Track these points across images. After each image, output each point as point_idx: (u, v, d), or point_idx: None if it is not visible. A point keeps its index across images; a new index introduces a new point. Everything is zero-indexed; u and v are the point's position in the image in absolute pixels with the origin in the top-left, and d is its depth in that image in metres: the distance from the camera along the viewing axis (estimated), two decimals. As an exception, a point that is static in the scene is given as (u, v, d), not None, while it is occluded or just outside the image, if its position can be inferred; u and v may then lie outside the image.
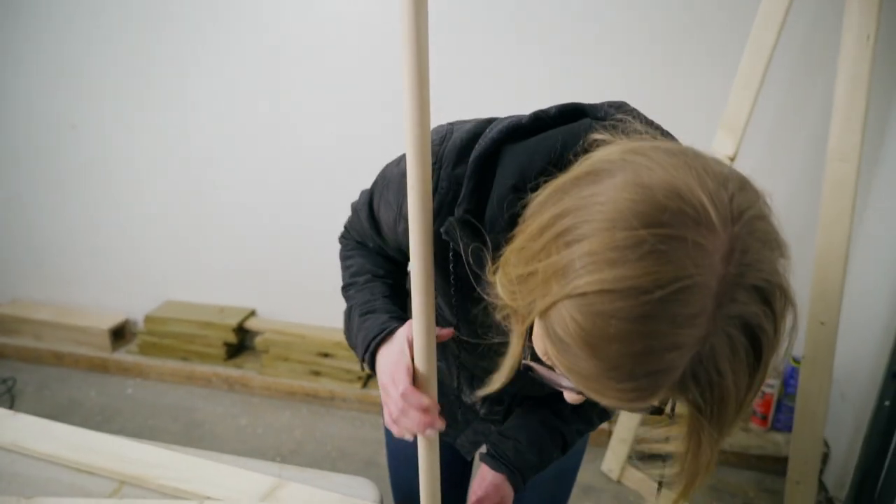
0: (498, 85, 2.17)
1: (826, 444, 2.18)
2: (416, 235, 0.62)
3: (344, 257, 0.93)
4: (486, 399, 0.96)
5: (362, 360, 0.80)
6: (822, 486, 2.16)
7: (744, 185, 0.48)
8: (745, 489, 2.19)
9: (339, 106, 2.36)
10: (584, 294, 0.44)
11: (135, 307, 2.85)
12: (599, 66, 2.09)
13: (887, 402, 1.61)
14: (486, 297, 0.55)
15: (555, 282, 0.46)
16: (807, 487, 1.65)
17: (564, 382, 0.54)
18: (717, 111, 1.72)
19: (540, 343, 0.50)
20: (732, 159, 1.65)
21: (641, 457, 2.30)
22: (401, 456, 0.85)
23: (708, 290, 0.43)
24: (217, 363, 2.71)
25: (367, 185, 0.86)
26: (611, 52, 2.07)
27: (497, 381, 0.58)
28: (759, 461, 2.27)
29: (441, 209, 0.66)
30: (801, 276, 1.91)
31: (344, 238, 0.95)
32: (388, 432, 1.07)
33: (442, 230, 0.65)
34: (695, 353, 0.44)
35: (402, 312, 0.82)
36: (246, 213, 2.61)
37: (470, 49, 2.16)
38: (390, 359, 0.73)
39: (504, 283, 0.52)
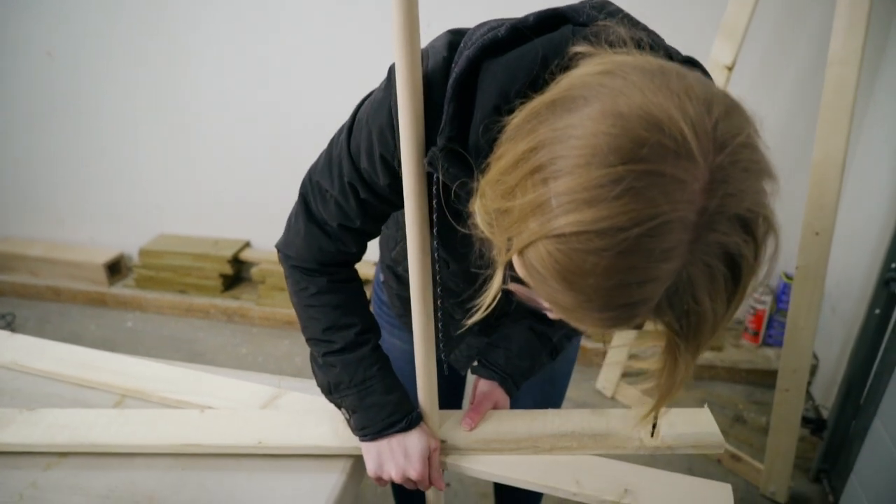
0: None
1: (815, 357, 2.24)
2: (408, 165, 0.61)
3: (304, 304, 0.82)
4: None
5: (364, 436, 0.81)
6: (809, 397, 2.22)
7: (730, 109, 0.45)
8: (735, 402, 2.25)
9: (329, 39, 2.27)
10: (561, 234, 0.43)
11: (128, 241, 2.84)
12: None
13: (877, 311, 1.64)
14: (468, 230, 0.55)
15: (532, 220, 0.45)
16: (795, 395, 1.69)
17: (545, 304, 0.54)
18: (716, 17, 1.66)
19: (520, 271, 0.50)
20: (731, 68, 1.61)
21: (634, 374, 2.36)
22: (400, 373, 0.86)
23: (686, 224, 0.42)
24: (214, 295, 2.72)
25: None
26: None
27: (481, 308, 0.58)
28: (749, 375, 2.33)
29: (430, 138, 0.63)
30: (797, 185, 1.90)
31: (294, 268, 0.82)
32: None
33: (425, 161, 0.63)
34: (671, 283, 0.44)
35: (399, 382, 0.83)
36: (237, 144, 2.56)
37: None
38: (403, 455, 0.80)
39: (482, 213, 0.51)
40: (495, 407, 0.93)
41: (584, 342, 2.35)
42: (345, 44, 2.27)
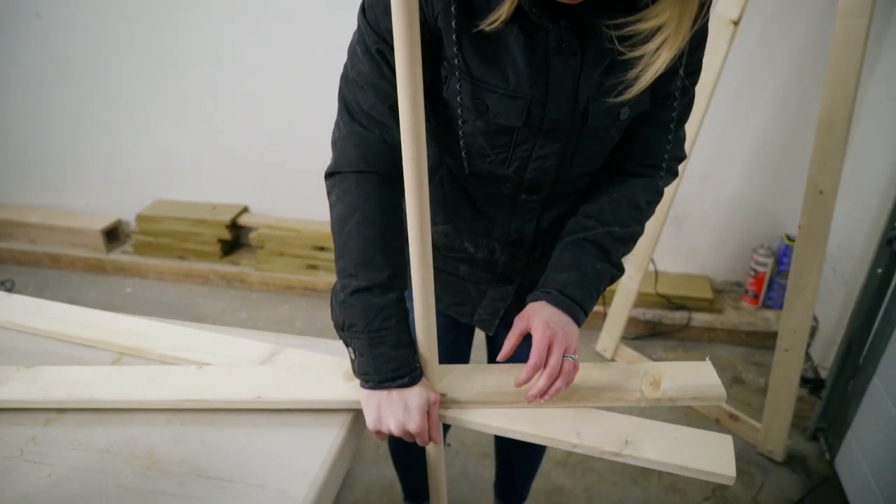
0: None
1: (815, 319, 2.24)
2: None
3: (346, 232, 0.80)
4: (506, 244, 0.95)
5: (366, 382, 0.80)
6: (808, 357, 2.23)
7: None
8: (734, 363, 2.26)
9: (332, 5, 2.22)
10: None
11: (125, 207, 2.82)
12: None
13: (879, 270, 1.63)
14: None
15: None
16: (794, 355, 1.69)
17: None
18: (723, -29, 1.61)
19: None
20: (737, 22, 1.57)
21: (634, 337, 2.37)
22: None
23: None
24: (213, 260, 2.71)
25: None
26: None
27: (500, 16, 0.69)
28: (748, 337, 2.34)
29: None
30: (802, 142, 1.87)
31: (345, 192, 0.80)
32: None
33: None
34: None
35: (411, 339, 0.81)
36: (233, 108, 2.52)
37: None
38: (403, 408, 0.79)
39: None
40: (526, 324, 0.82)
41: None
42: (347, 9, 2.22)
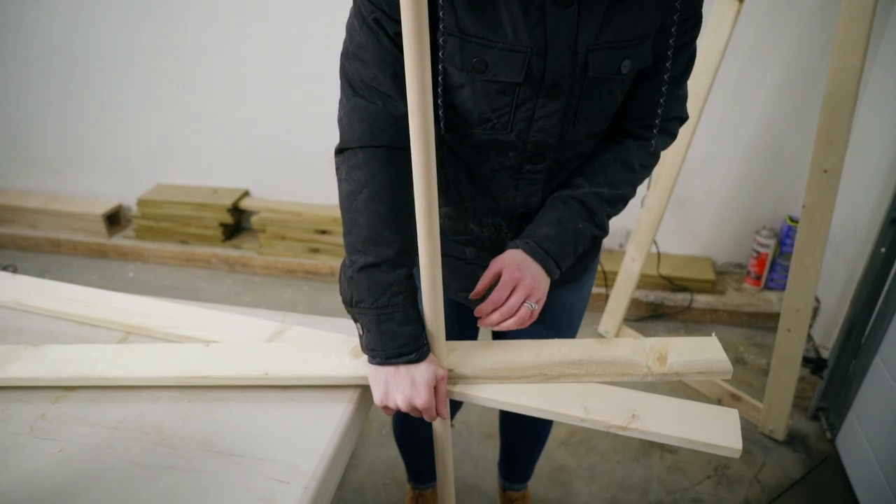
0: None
1: (816, 300, 2.24)
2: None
3: (354, 208, 0.79)
4: (512, 220, 0.94)
5: (373, 358, 0.81)
6: (809, 338, 2.24)
7: None
8: (736, 344, 2.27)
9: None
10: None
11: (125, 192, 2.82)
12: None
13: (883, 249, 1.63)
14: None
15: None
16: (797, 335, 1.70)
17: None
18: (728, -52, 1.59)
19: None
20: (741, 0, 1.55)
21: (636, 319, 2.37)
22: None
23: None
24: (215, 244, 2.71)
25: None
26: None
27: None
28: (750, 318, 2.34)
29: None
30: (807, 121, 1.86)
31: (354, 168, 0.80)
32: None
33: None
34: None
35: (419, 315, 0.81)
36: (233, 92, 2.50)
37: None
38: (410, 384, 0.79)
39: None
40: (500, 265, 0.85)
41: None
42: (341, -18, 2.20)
